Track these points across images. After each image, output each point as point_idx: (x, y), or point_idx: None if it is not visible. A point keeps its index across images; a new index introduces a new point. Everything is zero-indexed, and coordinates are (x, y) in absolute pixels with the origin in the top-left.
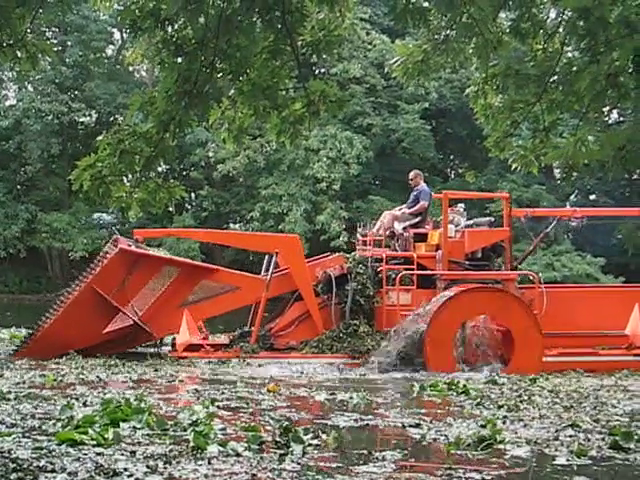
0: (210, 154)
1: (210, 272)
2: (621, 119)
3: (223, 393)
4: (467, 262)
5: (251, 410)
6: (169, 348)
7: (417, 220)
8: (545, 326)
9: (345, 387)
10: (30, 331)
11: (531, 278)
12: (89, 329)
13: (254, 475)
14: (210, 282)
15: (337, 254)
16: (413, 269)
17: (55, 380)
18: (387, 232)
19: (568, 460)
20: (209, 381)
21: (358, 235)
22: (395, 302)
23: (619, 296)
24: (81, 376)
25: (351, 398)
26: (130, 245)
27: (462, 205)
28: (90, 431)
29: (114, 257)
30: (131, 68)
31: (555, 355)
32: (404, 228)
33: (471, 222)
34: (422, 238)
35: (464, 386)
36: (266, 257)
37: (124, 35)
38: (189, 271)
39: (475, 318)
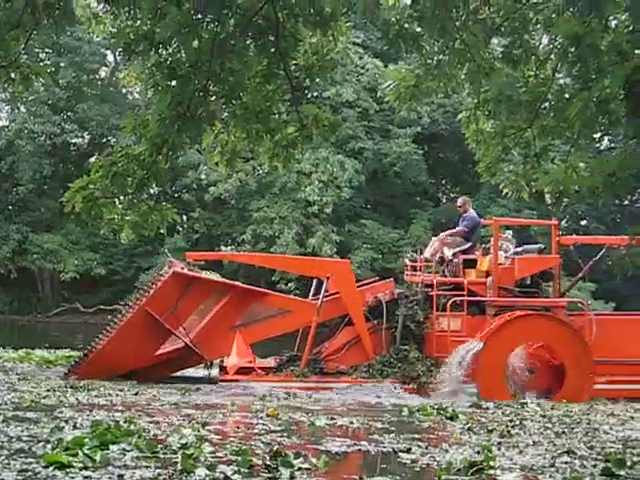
0: (202, 176)
1: (261, 296)
2: (612, 145)
3: (215, 417)
4: (517, 289)
5: (243, 434)
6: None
7: (467, 246)
8: (593, 353)
9: (349, 412)
10: (84, 352)
11: (580, 305)
12: (141, 351)
13: None
14: (261, 305)
15: (387, 279)
16: (463, 295)
17: (35, 402)
18: (436, 257)
19: None
20: (208, 406)
21: (406, 260)
22: (445, 328)
23: None
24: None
25: (351, 423)
26: (183, 268)
27: (509, 232)
28: (79, 453)
29: (168, 280)
30: (124, 90)
31: (604, 382)
32: (454, 254)
33: (520, 249)
34: (471, 264)
35: (453, 411)
36: (314, 281)
37: (117, 57)
38: (241, 294)
39: (526, 345)
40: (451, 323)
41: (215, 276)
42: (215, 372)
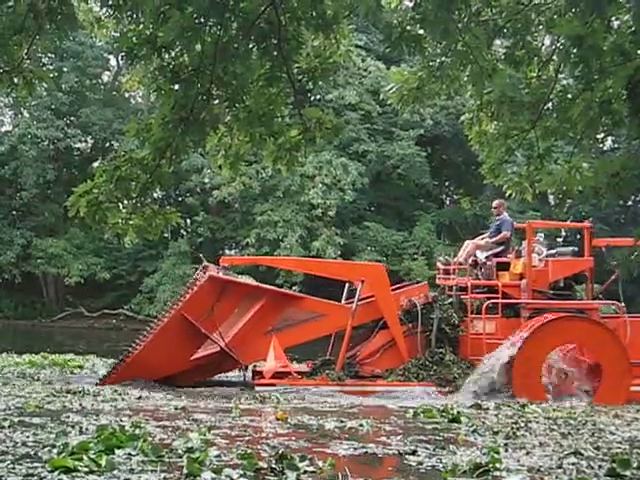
0: (206, 180)
1: (296, 300)
2: (616, 146)
3: (223, 420)
4: (551, 291)
5: (250, 438)
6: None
7: (500, 249)
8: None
9: (360, 414)
10: (120, 357)
11: (613, 307)
12: (178, 356)
13: None
14: (296, 310)
15: (422, 282)
16: (498, 298)
17: (39, 407)
18: (469, 261)
19: None
20: (218, 410)
21: (438, 264)
22: (480, 331)
23: None
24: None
25: (361, 426)
26: (219, 272)
27: (541, 234)
28: (84, 458)
29: (204, 284)
30: (127, 94)
31: (639, 385)
32: (487, 257)
33: (554, 251)
34: (504, 267)
35: (458, 413)
36: (346, 285)
37: (120, 61)
38: (276, 298)
39: (563, 347)
40: (486, 326)
41: (250, 280)
42: (248, 376)
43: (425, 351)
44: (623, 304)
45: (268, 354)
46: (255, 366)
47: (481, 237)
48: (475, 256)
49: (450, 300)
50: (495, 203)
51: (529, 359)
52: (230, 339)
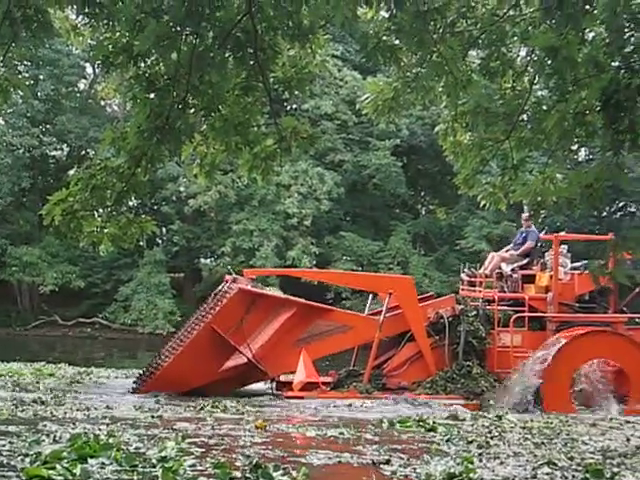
0: (181, 189)
1: (324, 312)
2: (590, 157)
3: (201, 429)
4: (577, 304)
5: (225, 447)
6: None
7: (525, 261)
8: None
9: (340, 423)
10: (149, 368)
11: (637, 320)
12: (206, 367)
13: None
14: (324, 321)
15: (449, 295)
16: (524, 311)
17: (12, 415)
18: (495, 273)
19: None
20: (195, 419)
21: (462, 276)
22: (506, 343)
23: None
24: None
25: (341, 434)
26: (247, 284)
27: (565, 247)
28: (58, 467)
29: (233, 297)
30: (103, 102)
31: None
32: (512, 269)
33: (579, 264)
34: (530, 279)
35: (433, 422)
36: (370, 297)
37: (96, 70)
38: (304, 310)
39: (592, 360)
40: (513, 338)
41: (278, 292)
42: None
43: (452, 364)
44: None
45: (297, 366)
46: (278, 377)
47: (506, 249)
48: (500, 268)
49: (475, 312)
50: (526, 216)
51: (559, 374)
52: (258, 351)
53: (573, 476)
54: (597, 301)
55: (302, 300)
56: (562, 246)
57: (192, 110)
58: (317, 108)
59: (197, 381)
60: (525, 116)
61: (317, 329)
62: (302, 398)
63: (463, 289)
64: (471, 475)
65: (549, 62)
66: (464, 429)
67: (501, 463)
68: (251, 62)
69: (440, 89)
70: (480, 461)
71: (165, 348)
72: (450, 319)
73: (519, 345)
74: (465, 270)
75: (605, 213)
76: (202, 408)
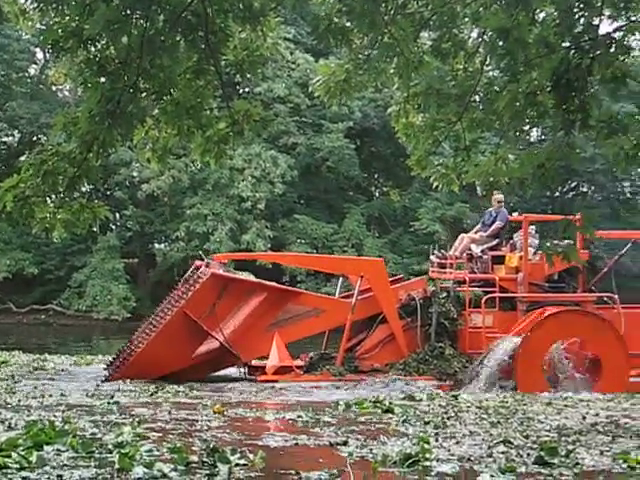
0: (134, 174)
1: (296, 295)
2: (542, 137)
3: (157, 414)
4: (547, 284)
5: (183, 431)
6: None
7: (495, 242)
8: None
9: (299, 407)
10: (121, 355)
11: (605, 299)
12: (180, 353)
13: None
14: (296, 305)
15: (420, 277)
16: (495, 291)
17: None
18: (465, 254)
19: (492, 476)
20: (153, 404)
21: (432, 258)
22: (478, 324)
23: None
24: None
25: (299, 417)
26: (220, 269)
27: (533, 227)
28: (14, 455)
29: (206, 281)
30: (54, 88)
31: (635, 376)
32: (482, 250)
33: (555, 243)
34: (499, 260)
35: (389, 404)
36: (340, 279)
37: (47, 54)
38: (276, 295)
39: (564, 340)
40: (484, 319)
41: (250, 276)
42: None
43: (424, 345)
44: (617, 295)
45: (270, 350)
46: (250, 361)
47: (475, 230)
48: (470, 250)
49: (445, 294)
50: (499, 196)
51: (531, 353)
52: (231, 335)
53: (528, 454)
54: (566, 281)
55: (274, 284)
56: (531, 227)
57: (143, 94)
58: (270, 91)
59: (170, 367)
60: (477, 97)
61: (289, 313)
62: (276, 381)
63: (433, 271)
64: (427, 455)
65: (500, 43)
66: (421, 410)
67: (457, 443)
68: (202, 45)
69: (392, 71)
70: (436, 441)
71: (136, 334)
72: (422, 301)
73: (491, 325)
74: (435, 252)
75: (557, 193)
76: (156, 392)
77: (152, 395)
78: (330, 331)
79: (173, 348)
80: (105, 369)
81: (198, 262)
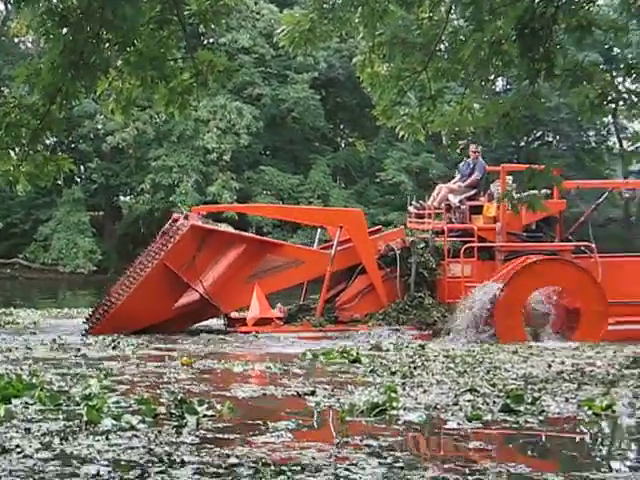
0: (99, 126)
1: (276, 247)
2: (508, 87)
3: (125, 367)
4: (524, 234)
5: (151, 383)
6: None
7: (473, 193)
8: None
9: (268, 358)
10: (101, 308)
11: (583, 248)
12: (160, 305)
13: (151, 450)
14: (275, 257)
15: (398, 227)
16: (473, 241)
17: None
18: (442, 205)
19: (459, 424)
20: (121, 357)
21: (410, 208)
22: (456, 274)
23: None
24: None
25: (268, 368)
26: (199, 221)
27: (511, 177)
28: None
29: (186, 233)
30: (16, 39)
31: (612, 324)
32: (460, 201)
33: (525, 194)
34: (477, 210)
35: (357, 354)
36: (318, 231)
37: (8, 6)
38: (255, 246)
39: (543, 288)
40: (463, 269)
41: (229, 228)
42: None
43: (404, 295)
44: (593, 245)
45: (250, 301)
46: (227, 314)
47: (453, 181)
48: (448, 200)
49: (425, 244)
50: (474, 147)
51: (511, 301)
52: (211, 287)
53: (495, 402)
54: (544, 230)
55: (253, 235)
56: (508, 177)
57: (106, 45)
58: (234, 42)
59: (151, 319)
60: (442, 46)
61: (269, 264)
62: (257, 332)
63: (410, 222)
64: (394, 404)
65: None
66: (388, 359)
67: (424, 391)
68: None
69: (356, 20)
70: (404, 390)
71: (115, 287)
72: (400, 251)
73: (469, 275)
74: (413, 203)
75: (523, 143)
76: (117, 344)
77: (115, 348)
78: (308, 282)
79: (153, 300)
80: (84, 322)
81: (176, 215)
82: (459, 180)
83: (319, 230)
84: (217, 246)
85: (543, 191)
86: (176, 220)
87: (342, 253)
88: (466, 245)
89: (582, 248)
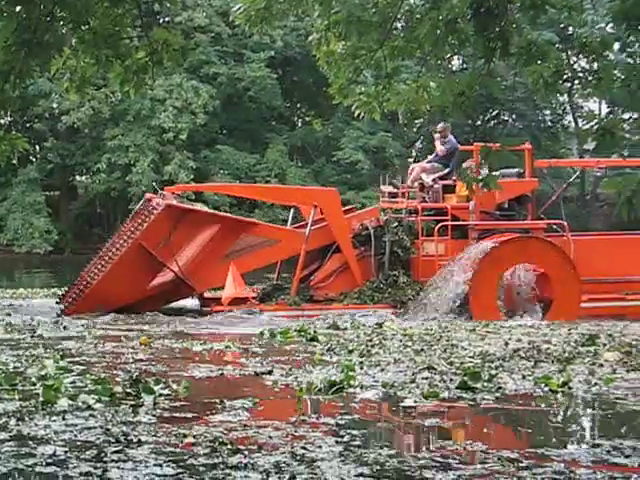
0: (54, 105)
1: (251, 226)
2: (464, 66)
3: (82, 347)
4: (497, 212)
5: (108, 363)
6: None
7: (445, 172)
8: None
9: (227, 337)
10: (76, 288)
11: (554, 227)
12: (135, 284)
13: (108, 430)
14: (250, 236)
15: (373, 206)
16: (447, 220)
17: None
18: (416, 184)
19: (415, 402)
20: (79, 337)
21: (382, 188)
22: (430, 252)
23: None
24: None
25: (227, 347)
26: (174, 200)
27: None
28: None
29: (161, 212)
30: None
31: (585, 301)
32: (433, 180)
33: (497, 173)
34: (451, 189)
35: (314, 332)
36: (291, 210)
37: None
38: (230, 225)
39: (516, 266)
40: (437, 247)
41: (204, 208)
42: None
43: (379, 274)
44: (566, 223)
45: (226, 281)
46: (201, 293)
47: (427, 160)
48: (421, 179)
49: (398, 223)
50: (440, 127)
51: (485, 281)
52: (185, 266)
53: (451, 380)
54: (516, 209)
55: (228, 214)
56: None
57: (60, 23)
58: (190, 20)
59: (127, 298)
60: (398, 25)
61: (244, 243)
62: (231, 311)
63: (384, 201)
64: (352, 382)
65: None
66: (345, 338)
67: (382, 370)
68: None
69: None
70: (361, 369)
71: (89, 267)
72: (375, 230)
73: (443, 254)
74: (386, 181)
75: (479, 122)
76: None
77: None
78: (282, 262)
79: (129, 280)
80: (58, 303)
81: (148, 194)
82: (432, 159)
83: (292, 210)
84: (192, 225)
85: (515, 170)
86: (149, 200)
87: (317, 232)
88: (440, 224)
89: (554, 226)
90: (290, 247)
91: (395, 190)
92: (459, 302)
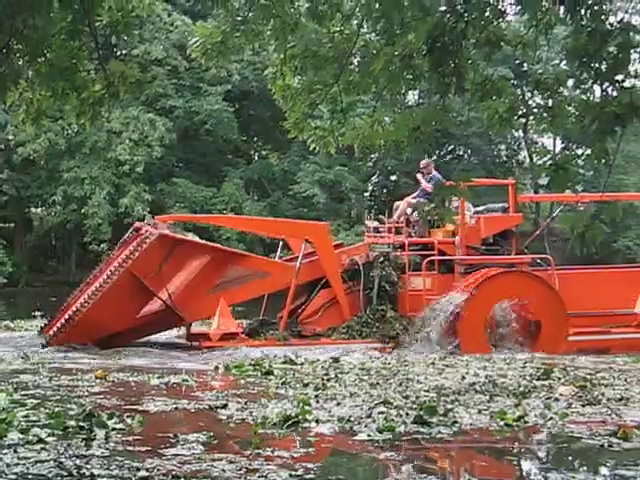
0: (10, 137)
1: (241, 258)
2: (420, 101)
3: (37, 380)
4: (483, 247)
5: (62, 397)
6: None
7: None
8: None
9: (184, 371)
10: (66, 316)
11: (539, 261)
12: (125, 313)
13: (61, 463)
14: (240, 267)
15: (362, 242)
16: (434, 255)
17: None
18: (402, 219)
19: (369, 436)
20: (34, 370)
21: (367, 223)
22: (417, 287)
23: (626, 276)
24: None
25: (185, 381)
26: (167, 230)
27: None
28: None
29: (154, 242)
30: None
31: (571, 335)
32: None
33: (482, 208)
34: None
35: (269, 366)
36: (280, 243)
37: None
38: (220, 256)
39: (504, 301)
40: (425, 282)
41: (196, 238)
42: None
43: (366, 308)
44: (550, 257)
45: (214, 312)
46: (189, 327)
47: (412, 196)
48: (407, 214)
49: (384, 258)
50: (423, 163)
51: (474, 313)
52: (175, 297)
53: (407, 414)
54: (501, 243)
55: (219, 245)
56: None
57: (17, 55)
58: (147, 53)
59: (114, 327)
60: (354, 60)
61: (234, 275)
62: (221, 347)
63: (369, 236)
64: (307, 416)
65: (376, 6)
66: (301, 372)
67: (338, 404)
68: (76, 6)
69: (268, 33)
70: (317, 402)
71: (74, 297)
72: (364, 265)
73: (430, 288)
74: (371, 217)
75: (435, 157)
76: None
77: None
78: (269, 297)
79: (118, 308)
80: (39, 334)
81: (138, 223)
82: (418, 195)
83: (281, 243)
84: (184, 255)
85: (500, 205)
86: (138, 229)
87: (307, 266)
88: (427, 259)
89: (538, 261)
90: (280, 280)
91: (380, 225)
92: (449, 336)
